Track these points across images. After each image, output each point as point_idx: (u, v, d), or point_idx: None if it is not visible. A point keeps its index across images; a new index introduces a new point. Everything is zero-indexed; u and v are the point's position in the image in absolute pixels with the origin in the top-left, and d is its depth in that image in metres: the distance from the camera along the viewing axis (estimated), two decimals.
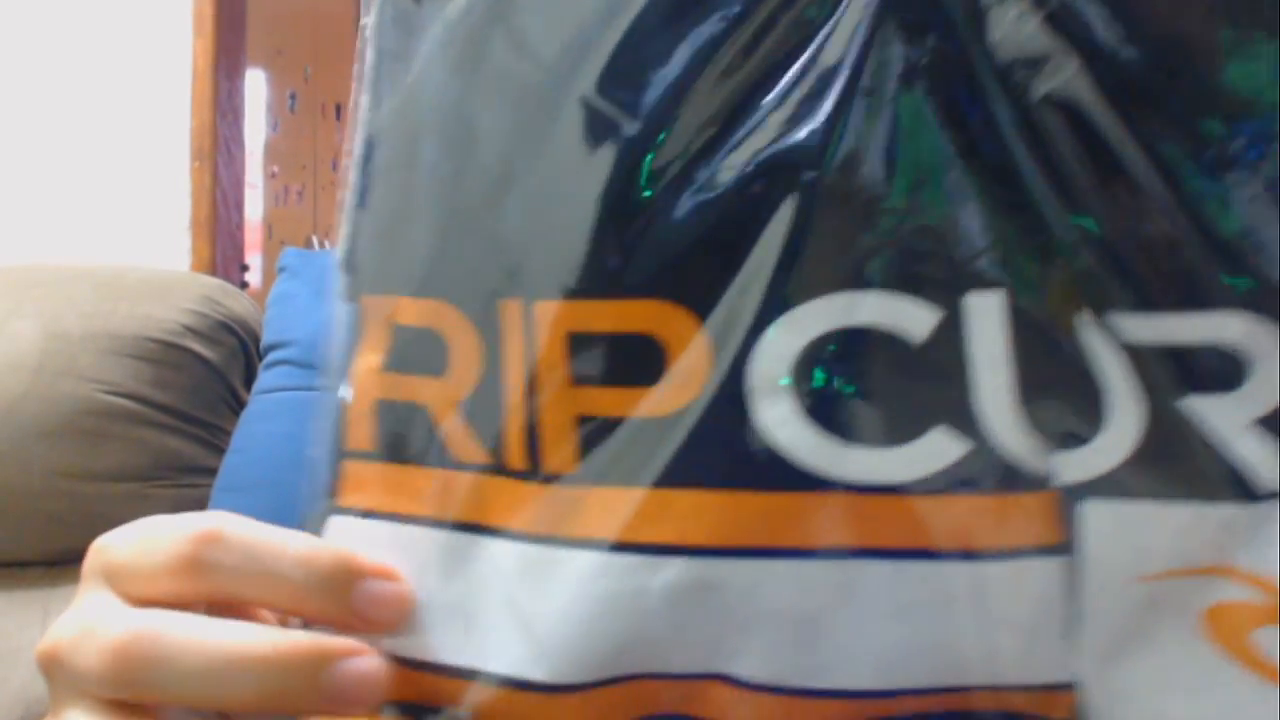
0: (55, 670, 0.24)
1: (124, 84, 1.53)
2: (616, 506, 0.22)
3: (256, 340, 0.91)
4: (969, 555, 0.21)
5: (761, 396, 0.21)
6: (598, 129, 0.23)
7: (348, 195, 0.26)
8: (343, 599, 0.23)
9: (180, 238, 1.52)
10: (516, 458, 0.22)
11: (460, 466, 0.23)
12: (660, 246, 0.22)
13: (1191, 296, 0.21)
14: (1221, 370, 0.21)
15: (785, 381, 0.21)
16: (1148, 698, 0.21)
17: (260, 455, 0.82)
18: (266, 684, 0.22)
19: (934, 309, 0.21)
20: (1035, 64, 0.21)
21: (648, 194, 0.22)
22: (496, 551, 0.23)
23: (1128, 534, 0.21)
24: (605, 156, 0.22)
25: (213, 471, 0.85)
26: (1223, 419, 0.21)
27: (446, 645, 0.23)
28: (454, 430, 0.23)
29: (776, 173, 0.22)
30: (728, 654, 0.22)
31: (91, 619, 0.23)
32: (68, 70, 1.53)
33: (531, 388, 0.22)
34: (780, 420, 0.21)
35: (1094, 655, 0.21)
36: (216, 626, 0.23)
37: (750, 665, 0.22)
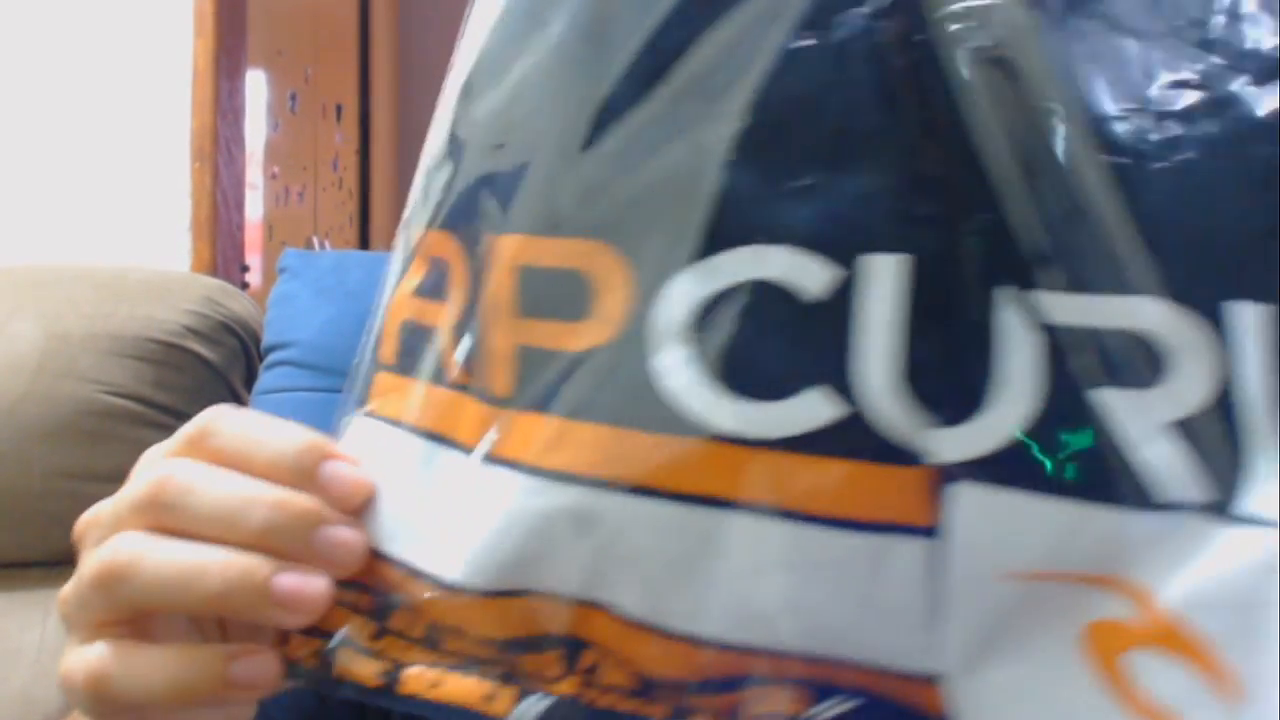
0: (66, 623, 0.27)
1: (124, 84, 1.53)
2: (532, 432, 0.23)
3: (257, 341, 0.91)
4: (829, 522, 0.21)
5: (660, 341, 0.22)
6: (564, 67, 0.24)
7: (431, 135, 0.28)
8: (310, 474, 0.26)
9: (180, 238, 1.52)
10: (477, 379, 0.24)
11: (445, 383, 0.25)
12: (599, 190, 0.23)
13: (1107, 278, 0.20)
14: (1140, 364, 0.20)
15: (682, 328, 0.22)
16: (1011, 707, 0.20)
17: None
18: (268, 531, 0.25)
19: (833, 267, 0.21)
20: (974, 15, 0.21)
21: (594, 139, 0.23)
22: (448, 461, 0.25)
23: (998, 524, 0.20)
24: (566, 102, 0.24)
25: None
26: (1135, 417, 0.20)
27: (405, 542, 0.25)
28: (446, 350, 0.25)
29: (702, 124, 0.22)
30: (608, 584, 0.23)
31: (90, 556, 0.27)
32: (68, 70, 1.53)
33: (487, 316, 0.24)
34: (672, 366, 0.22)
35: (958, 649, 0.21)
36: (222, 475, 0.26)
37: (626, 598, 0.23)
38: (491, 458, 0.24)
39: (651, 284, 0.22)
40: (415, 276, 0.27)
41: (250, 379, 0.90)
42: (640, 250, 0.22)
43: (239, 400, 0.90)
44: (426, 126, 0.28)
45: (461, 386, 0.25)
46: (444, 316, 0.26)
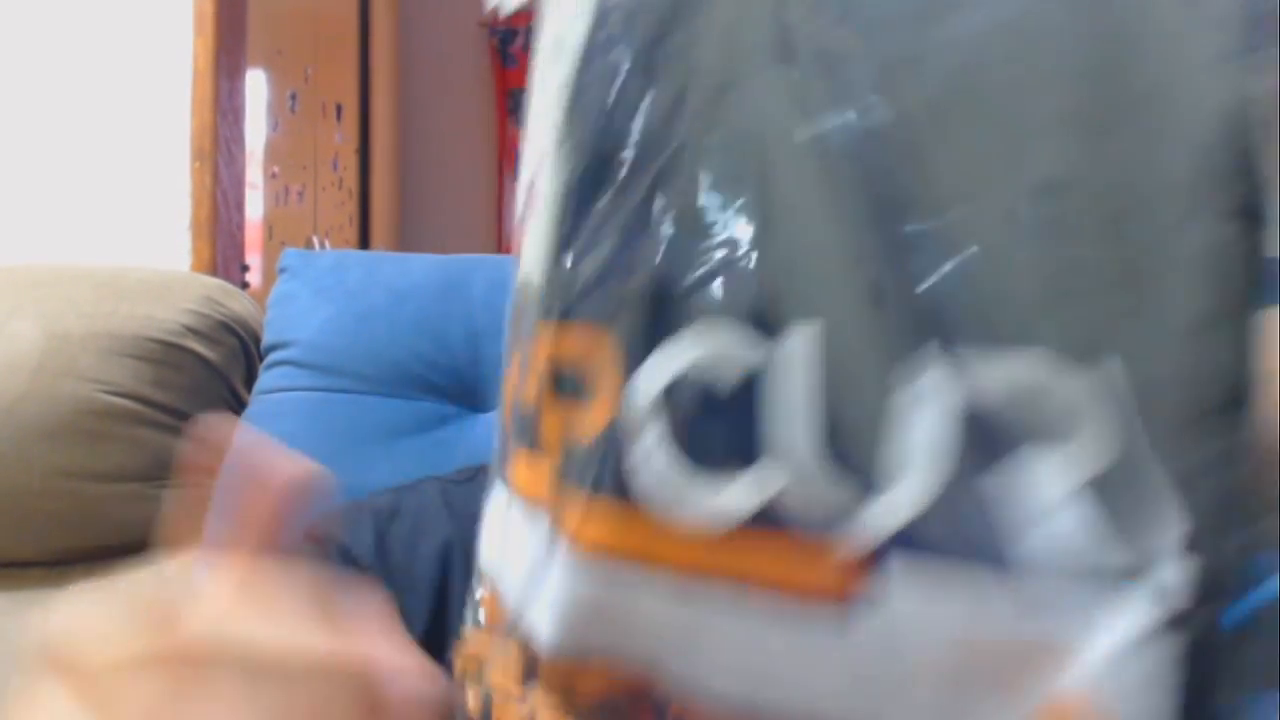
0: None
1: (124, 84, 1.53)
2: (573, 508, 0.24)
3: (257, 340, 0.91)
4: (795, 595, 0.21)
5: (641, 422, 0.22)
6: (553, 158, 0.25)
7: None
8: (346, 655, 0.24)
9: (180, 238, 1.52)
10: (546, 453, 0.26)
11: (539, 452, 0.26)
12: (582, 279, 0.24)
13: (1006, 331, 0.20)
14: (1050, 422, 0.19)
15: (654, 409, 0.22)
16: None
17: None
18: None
19: (761, 340, 0.21)
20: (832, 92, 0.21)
21: (573, 231, 0.24)
22: (541, 528, 0.26)
23: (925, 592, 0.20)
24: (556, 195, 0.25)
25: None
26: (1047, 478, 0.19)
27: (528, 607, 0.26)
28: (535, 426, 0.26)
29: (644, 204, 0.23)
30: (654, 649, 0.24)
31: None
32: (68, 70, 1.53)
33: (539, 397, 0.25)
34: (651, 446, 0.22)
35: (935, 717, 0.21)
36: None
37: (669, 662, 0.23)
38: (553, 529, 0.25)
39: (631, 367, 0.23)
40: (511, 359, 0.29)
41: (250, 379, 0.90)
42: (623, 334, 0.23)
43: (239, 399, 0.90)
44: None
45: (543, 456, 0.26)
46: (527, 394, 0.27)
